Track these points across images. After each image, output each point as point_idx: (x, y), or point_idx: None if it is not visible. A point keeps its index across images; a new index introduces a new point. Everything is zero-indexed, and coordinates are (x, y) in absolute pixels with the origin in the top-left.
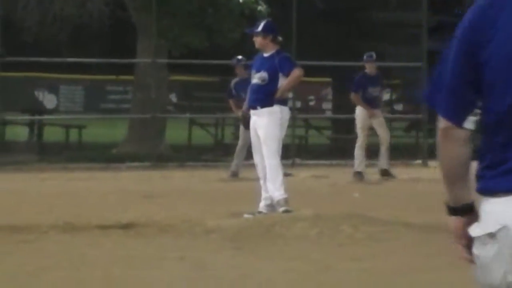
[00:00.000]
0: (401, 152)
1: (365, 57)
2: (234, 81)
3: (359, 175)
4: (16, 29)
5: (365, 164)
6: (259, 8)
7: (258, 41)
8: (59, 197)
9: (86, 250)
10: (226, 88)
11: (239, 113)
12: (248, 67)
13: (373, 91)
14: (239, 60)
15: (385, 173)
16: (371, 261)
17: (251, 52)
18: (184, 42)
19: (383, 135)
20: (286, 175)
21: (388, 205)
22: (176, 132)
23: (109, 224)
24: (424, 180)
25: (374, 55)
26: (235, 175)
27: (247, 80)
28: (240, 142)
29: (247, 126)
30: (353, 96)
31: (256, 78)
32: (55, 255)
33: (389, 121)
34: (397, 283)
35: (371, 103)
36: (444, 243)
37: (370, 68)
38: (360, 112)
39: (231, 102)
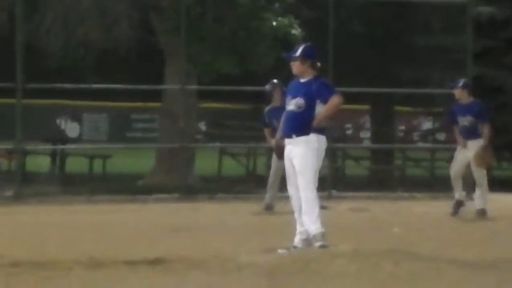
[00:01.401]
0: (446, 183)
1: (453, 84)
2: (267, 108)
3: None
4: (38, 54)
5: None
6: (294, 31)
7: (295, 66)
8: (84, 231)
9: (112, 287)
10: (258, 116)
11: (272, 142)
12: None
13: (463, 120)
14: (275, 84)
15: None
16: None
17: (285, 78)
18: (215, 67)
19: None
20: (322, 208)
21: (431, 240)
22: (205, 162)
23: (136, 259)
24: (469, 212)
25: (463, 82)
26: (269, 207)
27: (280, 108)
28: (272, 173)
29: (280, 156)
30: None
31: (292, 104)
32: None
33: (431, 151)
34: None
35: (462, 133)
36: (490, 281)
37: (459, 95)
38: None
39: (266, 131)
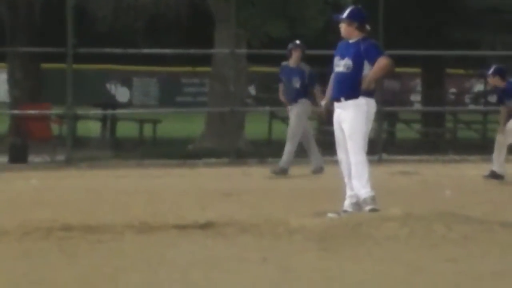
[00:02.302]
0: None
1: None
2: (282, 64)
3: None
4: (89, 19)
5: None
6: None
7: (343, 28)
8: (134, 195)
9: (163, 251)
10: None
11: (322, 103)
12: (303, 54)
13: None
14: (297, 45)
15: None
16: (467, 262)
17: (335, 42)
18: (265, 31)
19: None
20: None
21: (483, 203)
22: (255, 126)
23: (187, 223)
24: None
25: (492, 69)
26: (284, 171)
27: (294, 69)
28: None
29: (328, 119)
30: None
31: (340, 65)
32: (131, 257)
33: (482, 113)
34: (495, 286)
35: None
36: None
37: (494, 82)
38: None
39: (280, 86)
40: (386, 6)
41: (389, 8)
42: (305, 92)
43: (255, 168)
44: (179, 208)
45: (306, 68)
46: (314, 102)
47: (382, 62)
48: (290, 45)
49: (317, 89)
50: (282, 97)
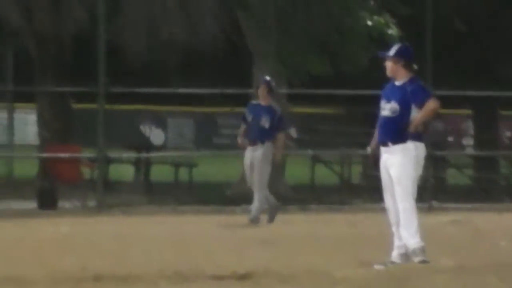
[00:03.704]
0: None
1: None
2: (249, 103)
3: None
4: (122, 57)
5: None
6: (390, 31)
7: (389, 66)
8: (169, 242)
9: None
10: (353, 120)
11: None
12: (271, 91)
13: None
14: (265, 81)
15: None
16: None
17: (381, 81)
18: (306, 69)
19: None
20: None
21: None
22: (297, 170)
23: (224, 274)
24: None
25: None
26: (255, 221)
27: (261, 106)
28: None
29: (375, 164)
30: None
31: (386, 109)
32: None
33: None
34: None
35: None
36: None
37: None
38: None
39: (241, 127)
40: (434, 43)
41: (437, 45)
42: (272, 134)
43: (296, 214)
44: (216, 257)
45: (277, 108)
46: (275, 147)
47: (431, 105)
48: (259, 81)
49: (283, 134)
50: (241, 138)
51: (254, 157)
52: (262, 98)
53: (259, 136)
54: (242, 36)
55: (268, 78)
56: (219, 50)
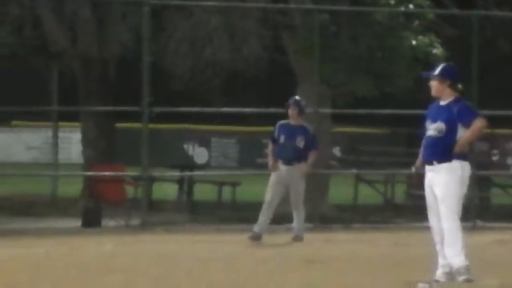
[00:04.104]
0: None
1: None
2: (280, 122)
3: None
4: (165, 77)
5: None
6: (434, 51)
7: (434, 86)
8: (212, 262)
9: None
10: (397, 140)
11: (414, 168)
12: (302, 111)
13: None
14: (295, 101)
15: None
16: None
17: (425, 101)
18: (350, 89)
19: None
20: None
21: None
22: (340, 189)
23: None
24: None
25: None
26: (257, 238)
27: (293, 126)
28: (267, 198)
29: (419, 183)
30: None
31: (432, 129)
32: None
33: None
34: None
35: None
36: None
37: None
38: None
39: (270, 146)
40: (480, 63)
41: (484, 65)
42: (306, 153)
43: (339, 233)
44: (259, 277)
45: (309, 127)
46: (307, 163)
47: (478, 124)
48: (289, 101)
49: (316, 152)
50: (272, 159)
51: (290, 177)
52: (293, 118)
53: (294, 156)
54: (286, 56)
55: (297, 97)
56: (262, 70)
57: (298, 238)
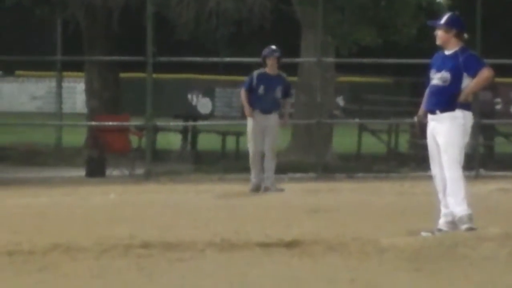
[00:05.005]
0: None
1: None
2: (257, 72)
3: None
4: (169, 26)
5: None
6: (438, 0)
7: (439, 35)
8: (216, 211)
9: (246, 271)
10: (400, 89)
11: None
12: (278, 60)
13: None
14: (272, 51)
15: None
16: None
17: (429, 50)
18: (354, 39)
19: None
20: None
21: None
22: (344, 139)
23: (271, 241)
24: None
25: None
26: (257, 189)
27: (272, 76)
28: (251, 150)
29: (422, 133)
30: None
31: (437, 78)
32: (212, 276)
33: None
34: None
35: None
36: None
37: None
38: None
39: (244, 94)
40: (485, 12)
41: (488, 15)
42: (281, 101)
43: (343, 183)
44: (263, 225)
45: (285, 76)
46: (284, 112)
47: (485, 74)
48: (265, 51)
49: (289, 100)
50: (249, 107)
51: (267, 124)
52: (272, 68)
53: (273, 106)
54: (290, 6)
55: (275, 47)
56: (266, 20)
57: (266, 189)
